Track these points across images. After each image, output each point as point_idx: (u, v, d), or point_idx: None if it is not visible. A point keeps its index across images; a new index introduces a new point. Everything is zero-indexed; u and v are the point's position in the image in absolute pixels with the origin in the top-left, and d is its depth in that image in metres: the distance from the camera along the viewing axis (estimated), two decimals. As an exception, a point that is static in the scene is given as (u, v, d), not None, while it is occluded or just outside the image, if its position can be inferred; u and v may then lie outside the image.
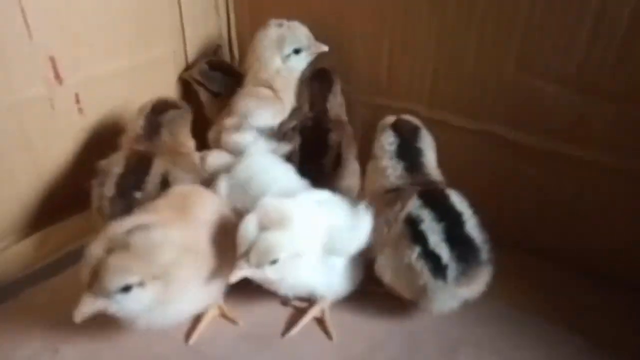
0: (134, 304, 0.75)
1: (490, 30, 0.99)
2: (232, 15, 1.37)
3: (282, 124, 1.14)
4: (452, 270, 0.82)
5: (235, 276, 0.80)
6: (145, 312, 0.78)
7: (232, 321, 0.94)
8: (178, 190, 0.93)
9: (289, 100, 1.17)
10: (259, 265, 0.80)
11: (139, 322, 0.80)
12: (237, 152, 1.06)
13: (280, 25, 1.14)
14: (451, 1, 1.02)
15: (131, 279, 0.73)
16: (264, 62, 1.15)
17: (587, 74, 0.92)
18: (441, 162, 0.99)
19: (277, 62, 1.15)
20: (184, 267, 0.78)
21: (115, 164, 0.97)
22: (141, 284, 0.74)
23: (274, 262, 0.80)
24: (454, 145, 1.10)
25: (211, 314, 0.95)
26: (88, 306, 0.73)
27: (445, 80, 1.09)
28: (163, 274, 0.75)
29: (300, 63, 1.17)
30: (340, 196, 0.96)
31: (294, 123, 1.12)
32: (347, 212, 0.91)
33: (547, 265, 1.06)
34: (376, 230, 0.88)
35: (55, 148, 1.11)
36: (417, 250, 0.83)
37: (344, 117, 1.18)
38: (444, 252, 0.82)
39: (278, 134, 1.12)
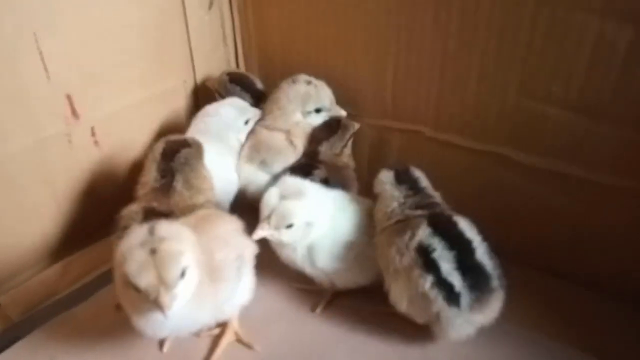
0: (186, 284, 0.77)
1: (491, 56, 1.01)
2: (239, 45, 1.41)
3: (293, 166, 1.18)
4: (465, 297, 0.83)
5: (257, 235, 0.93)
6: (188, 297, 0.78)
7: (248, 346, 0.97)
8: (201, 213, 0.94)
9: (302, 145, 1.21)
10: (277, 227, 0.94)
11: (170, 322, 0.78)
12: None
13: (309, 82, 1.18)
14: (453, 29, 1.04)
15: (185, 261, 0.76)
16: (285, 113, 1.19)
17: (588, 97, 0.94)
18: (446, 182, 1.00)
19: (297, 115, 1.20)
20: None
21: (133, 219, 0.92)
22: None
23: (289, 226, 0.94)
24: (458, 165, 1.13)
25: (227, 339, 0.97)
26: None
27: (449, 103, 1.11)
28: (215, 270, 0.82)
29: (317, 120, 1.22)
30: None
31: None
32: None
33: (559, 285, 1.07)
34: (389, 260, 0.89)
35: (73, 180, 1.15)
36: (430, 279, 0.84)
37: (347, 164, 1.21)
38: (456, 280, 0.83)
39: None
